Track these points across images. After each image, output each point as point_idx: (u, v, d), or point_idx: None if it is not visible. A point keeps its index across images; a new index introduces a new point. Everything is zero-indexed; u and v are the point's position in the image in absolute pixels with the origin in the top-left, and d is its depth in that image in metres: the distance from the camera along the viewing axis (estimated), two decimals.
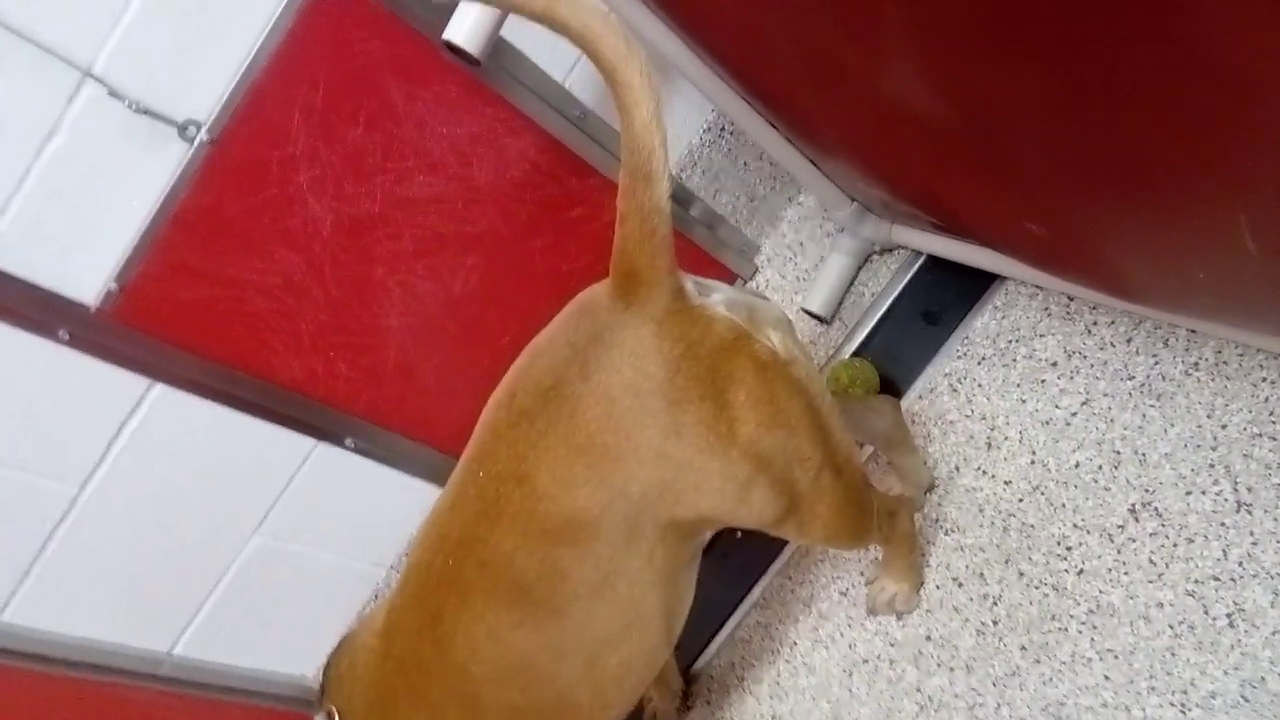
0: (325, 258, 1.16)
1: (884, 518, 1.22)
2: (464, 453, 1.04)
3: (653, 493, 0.96)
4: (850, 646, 1.42)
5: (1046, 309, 1.39)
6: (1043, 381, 1.36)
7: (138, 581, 1.32)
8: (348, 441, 1.37)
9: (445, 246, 1.29)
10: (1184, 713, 1.12)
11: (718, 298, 0.99)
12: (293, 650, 1.57)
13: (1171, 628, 1.16)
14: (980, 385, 1.41)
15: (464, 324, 1.36)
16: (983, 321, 1.44)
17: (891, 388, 1.48)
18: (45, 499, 1.19)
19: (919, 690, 1.33)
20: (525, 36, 1.21)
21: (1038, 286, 1.39)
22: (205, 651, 1.44)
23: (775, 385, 0.99)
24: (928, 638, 1.35)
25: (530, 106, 1.27)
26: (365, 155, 1.16)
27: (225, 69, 1.05)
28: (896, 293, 1.54)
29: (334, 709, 1.09)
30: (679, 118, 1.49)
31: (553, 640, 1.00)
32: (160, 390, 1.20)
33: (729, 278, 1.65)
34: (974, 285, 1.46)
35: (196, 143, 1.04)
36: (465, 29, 1.05)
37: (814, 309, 1.56)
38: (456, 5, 1.07)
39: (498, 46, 1.11)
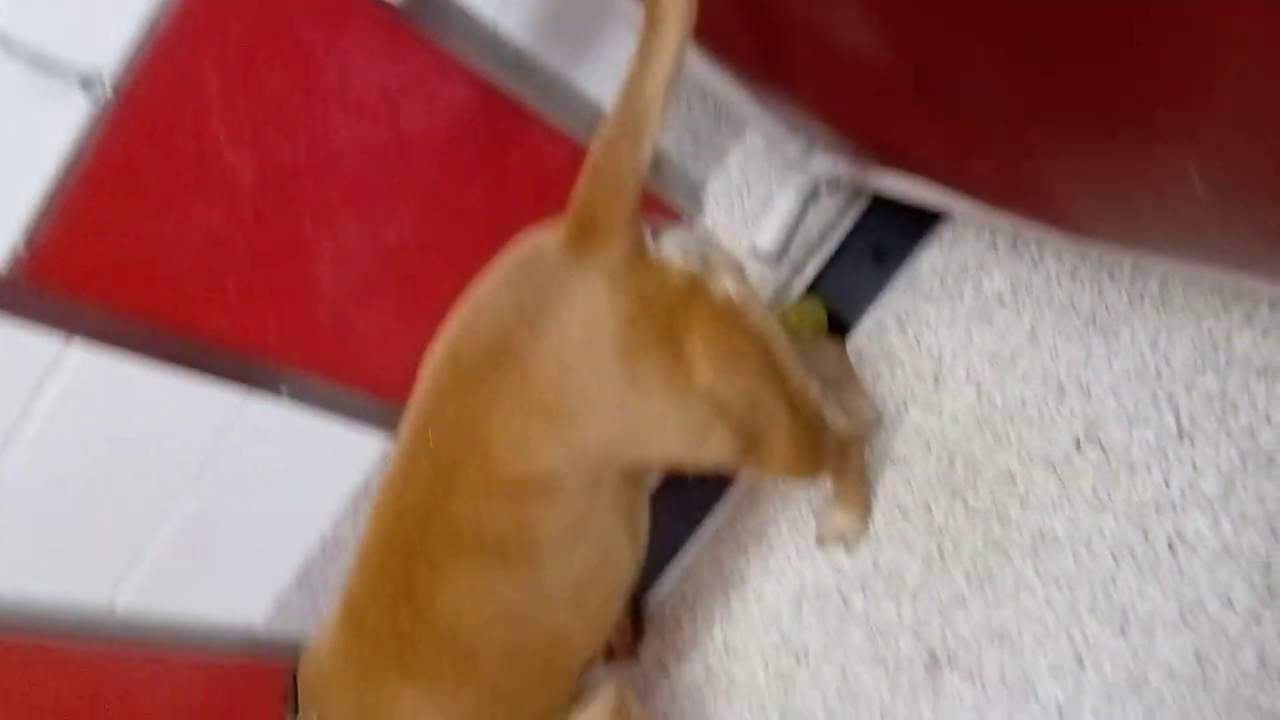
0: (248, 211, 1.10)
1: (836, 453, 1.24)
2: (407, 413, 1.01)
3: (613, 445, 0.96)
4: (799, 577, 1.44)
5: (993, 244, 1.39)
6: (989, 317, 1.36)
7: (73, 539, 1.29)
8: (283, 389, 1.33)
9: (376, 195, 1.24)
10: (1123, 636, 1.16)
11: (671, 246, 0.97)
12: (240, 601, 1.56)
13: (1113, 554, 1.19)
14: (928, 322, 1.41)
15: (400, 273, 1.32)
16: (930, 258, 1.43)
17: (839, 326, 1.47)
18: None
19: (867, 618, 1.36)
20: None
21: (984, 222, 1.38)
22: (148, 606, 1.42)
23: (731, 332, 0.99)
24: (875, 568, 1.37)
25: (459, 49, 1.21)
26: (284, 104, 1.10)
27: (128, 18, 0.97)
28: (845, 231, 1.53)
29: (314, 714, 1.08)
30: (621, 53, 1.43)
31: (533, 586, 1.01)
32: (80, 347, 1.14)
33: (675, 217, 1.62)
34: (921, 222, 1.45)
35: (101, 97, 0.97)
36: None
37: (762, 248, 1.54)
38: None
39: None
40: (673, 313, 0.94)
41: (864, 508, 1.38)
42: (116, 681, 1.34)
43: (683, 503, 1.59)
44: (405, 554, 1.00)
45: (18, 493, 1.20)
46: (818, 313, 1.46)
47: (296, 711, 1.10)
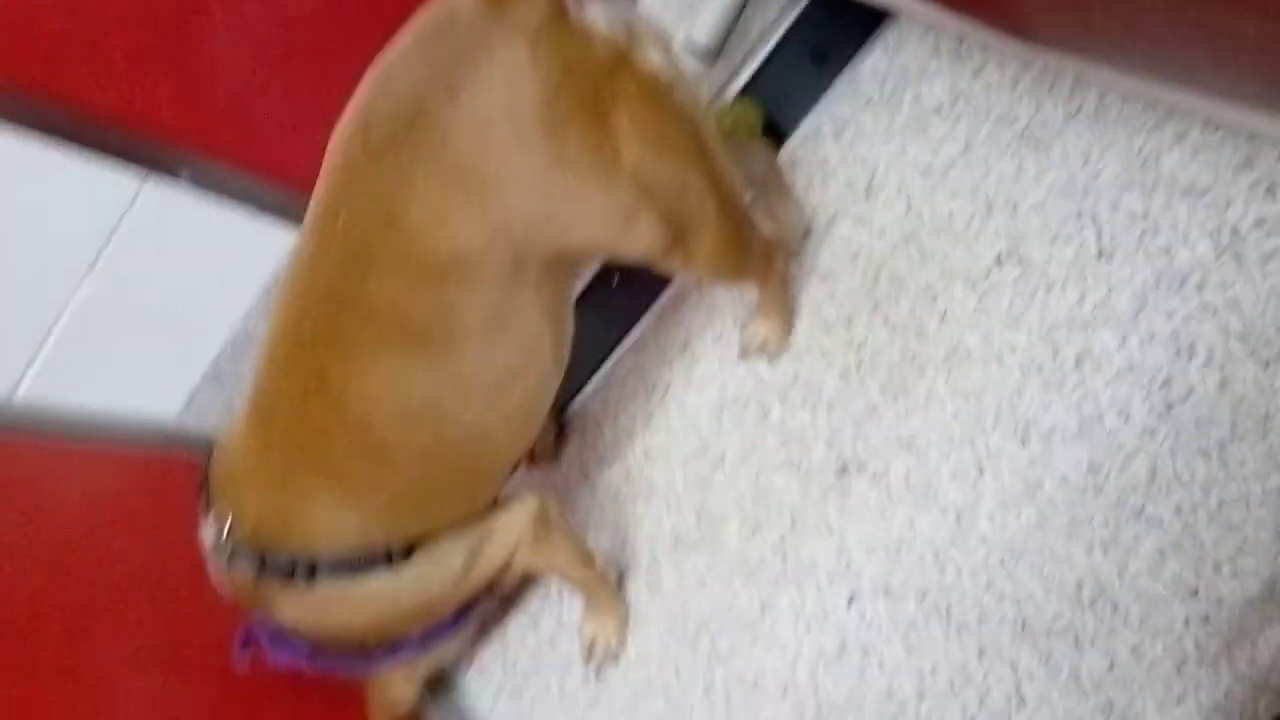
0: None
1: (761, 258, 1.22)
2: (314, 196, 0.95)
3: (536, 225, 0.92)
4: (721, 387, 1.46)
5: (936, 50, 1.34)
6: (926, 128, 1.33)
7: None
8: (182, 174, 1.25)
9: None
10: (1023, 445, 1.20)
11: (595, 12, 0.90)
12: (150, 392, 1.53)
13: (1021, 368, 1.22)
14: (864, 131, 1.37)
15: (305, 47, 1.23)
16: (872, 62, 1.38)
17: (774, 132, 1.43)
18: None
19: (783, 426, 1.39)
20: None
21: (930, 26, 1.32)
22: (54, 398, 1.38)
23: (659, 108, 0.94)
24: (795, 379, 1.39)
25: None
26: None
27: None
28: (785, 29, 1.46)
29: (225, 512, 1.05)
30: None
31: (453, 378, 0.98)
32: None
33: None
34: (865, 23, 1.39)
35: None
36: None
37: (697, 41, 1.46)
38: None
39: None
40: (598, 83, 0.88)
41: (787, 319, 1.39)
42: (22, 470, 1.31)
43: (608, 312, 1.58)
44: (315, 344, 0.96)
45: None
46: (751, 115, 1.40)
47: (209, 508, 1.08)
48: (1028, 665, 1.16)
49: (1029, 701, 1.16)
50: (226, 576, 1.09)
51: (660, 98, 0.94)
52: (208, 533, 1.08)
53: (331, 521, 1.04)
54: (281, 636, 1.15)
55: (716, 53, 1.49)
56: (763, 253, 1.22)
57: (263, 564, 1.04)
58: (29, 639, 1.14)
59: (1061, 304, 1.20)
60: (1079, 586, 1.15)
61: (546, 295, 0.99)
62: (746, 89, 1.46)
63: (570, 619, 1.48)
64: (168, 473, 1.48)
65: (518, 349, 1.00)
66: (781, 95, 1.44)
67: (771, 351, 1.40)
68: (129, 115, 1.14)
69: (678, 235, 1.02)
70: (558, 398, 1.56)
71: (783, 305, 1.37)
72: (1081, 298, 1.18)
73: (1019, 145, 1.25)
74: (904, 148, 1.34)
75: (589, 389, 1.60)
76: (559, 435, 1.61)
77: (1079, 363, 1.18)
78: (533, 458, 1.57)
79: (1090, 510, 1.15)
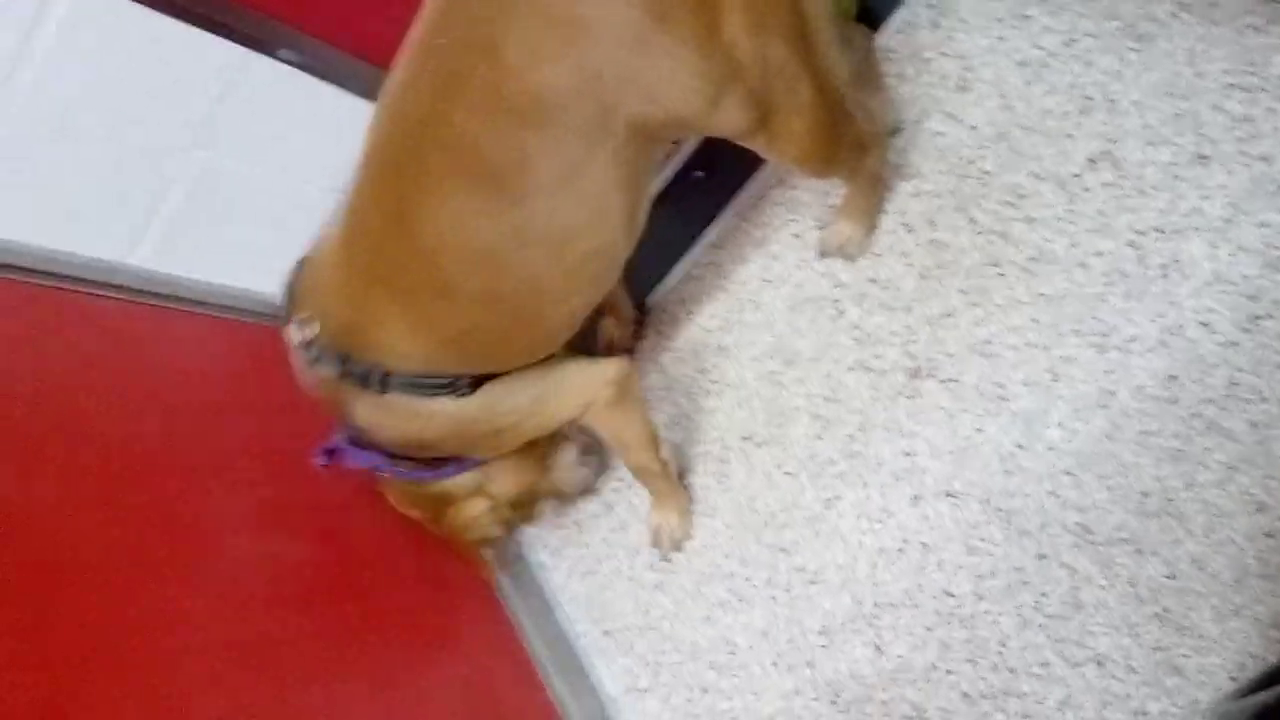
0: None
1: (854, 150, 1.20)
2: (420, 15, 0.96)
3: (626, 81, 0.92)
4: (798, 286, 1.46)
5: None
6: (1027, 17, 1.27)
7: (81, 191, 1.30)
8: (282, 54, 1.28)
9: None
10: (1101, 353, 1.18)
11: None
12: (252, 268, 1.60)
13: (1105, 275, 1.18)
14: (962, 19, 1.32)
15: None
16: None
17: (870, 18, 1.38)
18: None
19: (858, 327, 1.39)
20: None
21: None
22: (163, 264, 1.46)
23: None
24: (872, 280, 1.38)
25: None
26: None
27: None
28: None
29: (307, 315, 1.10)
30: None
31: (517, 228, 0.99)
32: None
33: None
34: None
35: None
36: None
37: None
38: None
39: None
40: None
41: (871, 221, 1.37)
42: (139, 331, 1.40)
43: (689, 206, 1.58)
44: (399, 169, 0.98)
45: (23, 134, 1.20)
46: (845, 1, 1.36)
47: (294, 312, 1.13)
48: (1086, 571, 1.17)
49: (1085, 606, 1.16)
50: (310, 374, 1.15)
51: None
52: (294, 333, 1.14)
53: (402, 344, 1.08)
54: (359, 443, 1.22)
55: None
56: (855, 147, 1.19)
57: (343, 366, 1.10)
58: (149, 492, 1.24)
59: (1152, 209, 1.15)
60: (1145, 496, 1.13)
61: (624, 167, 0.98)
62: None
63: (642, 507, 1.54)
64: (269, 344, 1.56)
65: (584, 211, 1.00)
66: None
67: (852, 253, 1.39)
68: None
69: (765, 117, 1.00)
70: (636, 288, 1.60)
71: (869, 206, 1.35)
72: (1173, 203, 1.14)
73: (1123, 39, 1.19)
74: (1002, 39, 1.28)
75: (667, 283, 1.61)
76: (637, 326, 1.64)
77: (1165, 271, 1.14)
78: (610, 348, 1.61)
79: (1163, 421, 1.13)
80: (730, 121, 0.99)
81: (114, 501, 1.19)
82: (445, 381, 1.10)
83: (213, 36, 1.23)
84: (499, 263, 1.00)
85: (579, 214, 0.99)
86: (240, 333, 1.55)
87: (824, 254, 1.42)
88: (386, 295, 1.05)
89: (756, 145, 1.06)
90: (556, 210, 0.97)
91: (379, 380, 1.09)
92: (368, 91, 1.40)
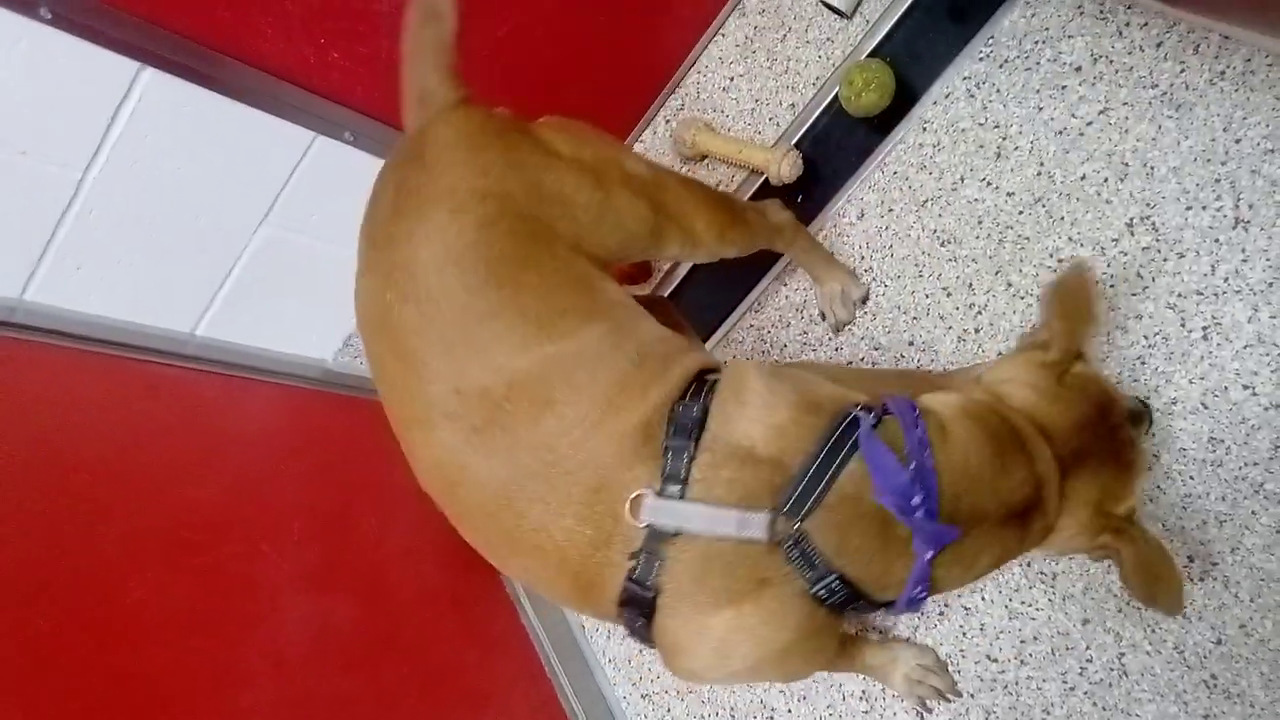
0: None
1: (757, 214, 1.27)
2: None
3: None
4: (836, 350, 1.47)
5: (1079, 7, 1.30)
6: (1063, 87, 1.30)
7: (154, 266, 1.37)
8: (347, 135, 1.36)
9: None
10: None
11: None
12: (310, 336, 1.66)
13: (1146, 338, 1.19)
14: (998, 90, 1.35)
15: (468, 28, 1.31)
16: (1011, 19, 1.35)
17: (907, 91, 1.42)
18: (51, 184, 1.21)
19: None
20: None
21: None
22: (227, 334, 1.52)
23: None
24: (911, 343, 1.39)
25: None
26: None
27: None
28: None
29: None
30: None
31: None
32: (151, 74, 1.18)
33: None
34: None
35: None
36: None
37: (835, 2, 1.47)
38: None
39: None
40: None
41: (840, 269, 1.44)
42: (195, 399, 1.46)
43: (727, 273, 1.61)
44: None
45: (104, 217, 1.28)
46: (884, 74, 1.40)
47: None
48: (1132, 637, 1.15)
49: (1131, 672, 1.15)
50: None
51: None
52: None
53: None
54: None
55: (853, 11, 1.48)
56: (755, 211, 1.27)
57: None
58: (213, 552, 1.28)
59: (1193, 273, 1.16)
60: (1190, 561, 1.12)
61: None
62: (880, 47, 1.45)
63: None
64: (324, 410, 1.62)
65: None
66: (917, 54, 1.42)
67: (854, 296, 1.43)
68: (304, 77, 1.26)
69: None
70: None
71: (823, 256, 1.43)
72: (1213, 267, 1.14)
73: (1160, 107, 1.21)
74: (1039, 108, 1.31)
75: (708, 347, 1.64)
76: None
77: (1206, 334, 1.14)
78: None
79: (1207, 484, 1.12)
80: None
81: (176, 564, 1.23)
82: None
83: (284, 121, 1.31)
84: None
85: None
86: (293, 398, 1.60)
87: (836, 323, 1.45)
88: None
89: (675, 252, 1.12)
90: None
91: None
92: None
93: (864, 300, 1.44)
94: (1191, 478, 1.13)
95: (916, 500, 0.80)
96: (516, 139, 0.97)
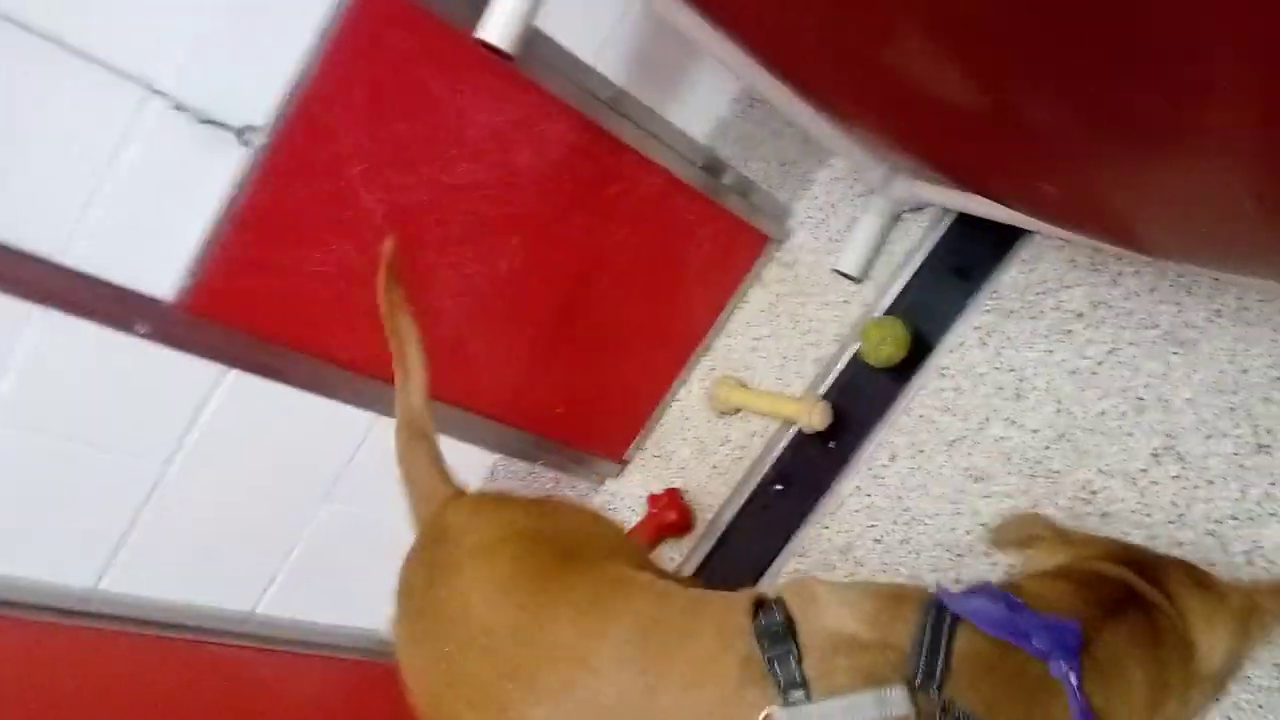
0: (378, 245, 1.22)
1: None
2: None
3: None
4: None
5: (1073, 261, 1.43)
6: (1069, 332, 1.40)
7: (221, 549, 1.42)
8: None
9: (490, 229, 1.36)
10: None
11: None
12: (365, 606, 1.68)
13: None
14: (1009, 338, 1.45)
15: (511, 299, 1.43)
16: (1011, 275, 1.48)
17: (922, 343, 1.53)
18: (132, 478, 1.29)
19: None
20: (557, 24, 1.26)
21: (1064, 239, 1.42)
22: (286, 610, 1.55)
23: None
24: (958, 580, 1.41)
25: (564, 90, 1.33)
26: (410, 147, 1.23)
27: (276, 77, 1.12)
28: (928, 250, 1.59)
29: None
30: (707, 90, 1.54)
31: None
32: (234, 375, 1.28)
33: (763, 241, 1.71)
34: (1002, 240, 1.50)
35: (254, 146, 1.12)
36: (498, 27, 1.11)
37: (847, 269, 1.61)
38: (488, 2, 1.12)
39: (530, 36, 1.16)
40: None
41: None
42: (255, 677, 1.47)
43: (770, 519, 1.65)
44: None
45: (178, 505, 1.34)
46: (899, 329, 1.51)
47: None
48: None
49: None
50: None
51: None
52: None
53: None
54: None
55: (864, 276, 1.62)
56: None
57: None
58: None
59: (1225, 498, 1.21)
60: None
61: None
62: (894, 306, 1.58)
63: None
64: (380, 679, 1.61)
65: None
66: (927, 310, 1.55)
67: None
68: (367, 364, 1.36)
69: None
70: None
71: None
72: (1244, 491, 1.19)
73: (1164, 345, 1.30)
74: (1049, 351, 1.41)
75: None
76: None
77: (1250, 557, 1.17)
78: None
79: (1270, 709, 1.11)
80: None
81: None
82: None
83: (345, 405, 1.40)
84: None
85: None
86: (349, 671, 1.60)
87: None
88: None
89: None
90: None
91: None
92: (479, 440, 1.55)
93: None
94: (1261, 706, 1.12)
95: (1021, 620, 0.83)
96: (516, 499, 1.14)
